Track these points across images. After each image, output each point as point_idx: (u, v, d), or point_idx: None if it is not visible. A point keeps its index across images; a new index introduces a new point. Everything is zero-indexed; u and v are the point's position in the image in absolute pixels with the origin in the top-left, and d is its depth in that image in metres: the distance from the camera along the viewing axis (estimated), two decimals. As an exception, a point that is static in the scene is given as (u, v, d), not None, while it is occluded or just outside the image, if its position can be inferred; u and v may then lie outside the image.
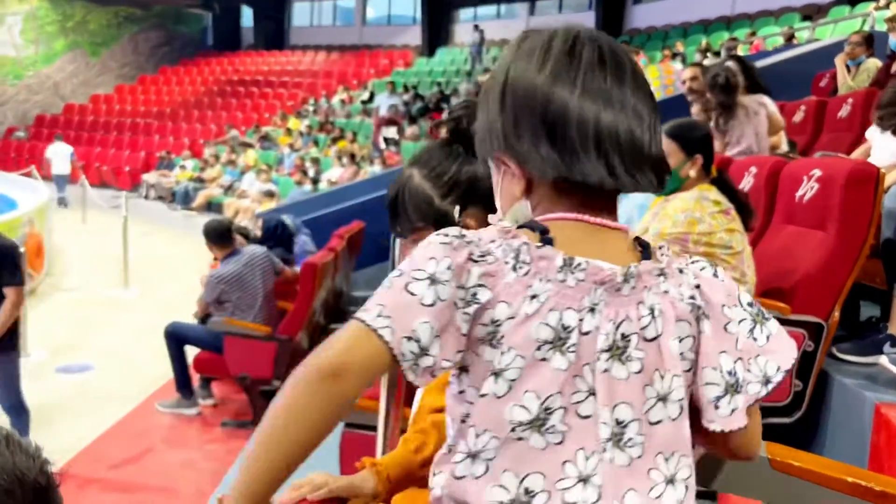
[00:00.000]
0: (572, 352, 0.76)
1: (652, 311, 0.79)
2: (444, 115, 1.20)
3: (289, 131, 16.11)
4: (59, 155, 15.68)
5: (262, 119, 17.85)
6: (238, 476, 0.80)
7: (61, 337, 6.52)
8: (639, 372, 0.79)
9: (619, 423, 0.78)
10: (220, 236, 4.70)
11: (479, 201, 1.16)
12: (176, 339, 4.68)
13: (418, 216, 1.21)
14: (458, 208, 1.18)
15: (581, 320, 0.77)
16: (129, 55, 23.48)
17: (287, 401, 0.77)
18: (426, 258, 0.77)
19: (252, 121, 17.78)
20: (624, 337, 0.78)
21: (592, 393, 0.77)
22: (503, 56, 0.87)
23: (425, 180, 1.21)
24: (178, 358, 4.68)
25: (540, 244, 0.78)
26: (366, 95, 17.38)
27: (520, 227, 0.81)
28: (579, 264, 0.77)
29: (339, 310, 6.16)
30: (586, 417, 0.77)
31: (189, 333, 4.70)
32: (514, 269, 0.77)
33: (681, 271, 0.83)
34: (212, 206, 13.85)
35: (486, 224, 0.86)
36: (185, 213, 13.75)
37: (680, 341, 0.81)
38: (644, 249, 0.83)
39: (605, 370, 0.77)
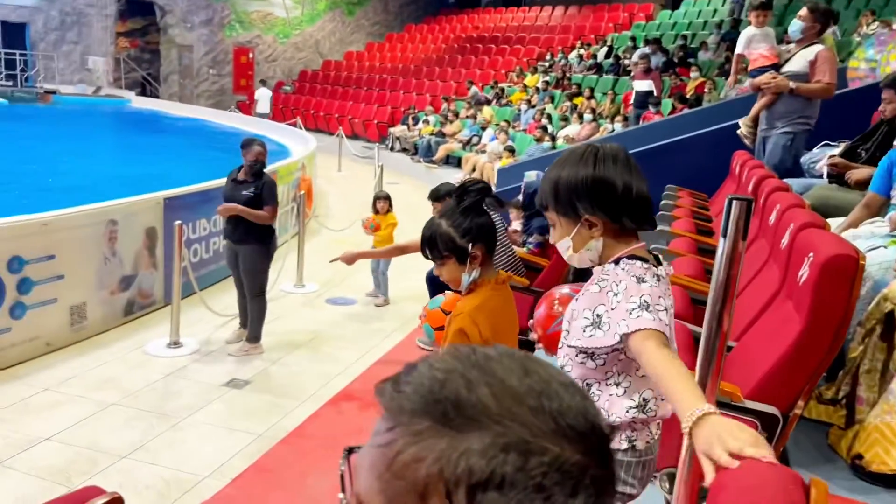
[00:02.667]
0: (670, 314, 1.53)
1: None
2: (460, 194, 2.05)
3: (524, 87, 16.19)
4: (263, 98, 18.93)
5: (500, 75, 18.10)
6: (686, 393, 1.30)
7: (328, 272, 7.24)
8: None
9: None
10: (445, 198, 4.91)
11: (481, 241, 1.98)
12: (436, 282, 4.97)
13: (445, 249, 1.98)
14: (470, 245, 1.96)
15: (669, 297, 1.56)
16: (379, 14, 25.00)
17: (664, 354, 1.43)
18: (657, 296, 1.50)
19: (490, 77, 18.11)
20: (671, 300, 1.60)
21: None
22: (576, 161, 1.58)
23: (450, 227, 1.98)
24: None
25: (657, 266, 1.56)
26: (603, 51, 16.89)
27: (632, 258, 1.55)
28: (662, 272, 1.57)
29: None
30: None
31: (449, 278, 4.96)
32: (658, 281, 1.53)
33: (664, 265, 1.62)
34: (450, 159, 14.45)
35: (487, 255, 2.00)
36: (427, 165, 14.47)
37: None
38: (656, 257, 1.62)
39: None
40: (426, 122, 16.00)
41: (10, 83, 18.97)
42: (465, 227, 1.97)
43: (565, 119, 13.04)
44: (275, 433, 3.93)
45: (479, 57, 20.03)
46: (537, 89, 15.55)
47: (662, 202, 5.94)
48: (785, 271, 2.43)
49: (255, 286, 5.00)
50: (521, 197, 6.21)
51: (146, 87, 22.46)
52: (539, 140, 12.05)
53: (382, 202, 6.38)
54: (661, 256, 1.63)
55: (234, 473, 3.52)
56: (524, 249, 5.11)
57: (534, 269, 4.69)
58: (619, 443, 1.57)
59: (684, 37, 16.00)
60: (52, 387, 4.40)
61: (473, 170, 13.02)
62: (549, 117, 13.19)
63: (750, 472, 0.96)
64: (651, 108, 11.16)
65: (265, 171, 5.01)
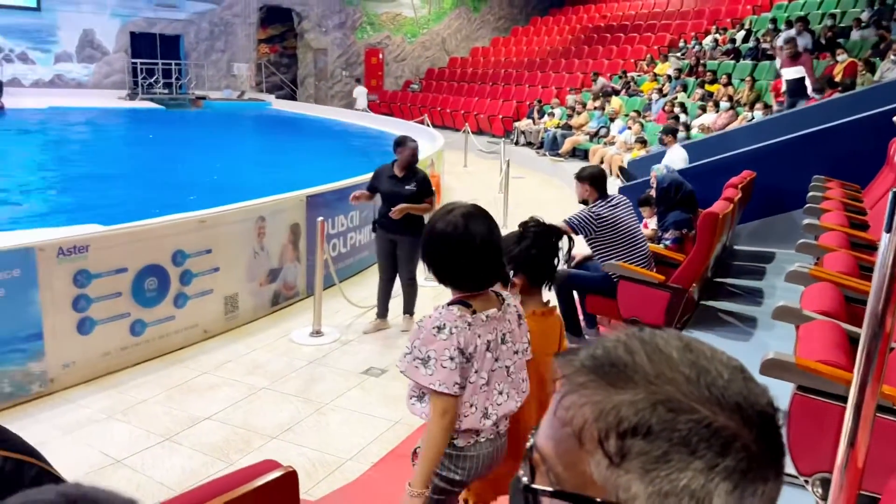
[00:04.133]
0: (491, 348, 1.93)
1: (509, 322, 1.98)
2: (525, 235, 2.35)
3: (655, 76, 15.67)
4: (360, 95, 20.34)
5: (629, 65, 17.62)
6: (419, 471, 1.91)
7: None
8: (509, 344, 1.99)
9: (507, 367, 1.99)
10: (601, 180, 4.79)
11: (524, 272, 2.28)
12: (564, 284, 4.93)
13: None
14: (511, 272, 2.22)
15: (490, 335, 1.93)
16: (504, 8, 25.03)
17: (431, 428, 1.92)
18: (444, 349, 1.88)
19: (618, 66, 17.67)
20: (503, 334, 1.96)
21: (497, 359, 1.95)
22: (439, 217, 1.96)
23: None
24: (566, 301, 4.93)
25: (472, 313, 1.89)
26: (741, 35, 16.02)
27: (454, 303, 1.92)
28: (482, 316, 1.91)
29: (724, 263, 5.90)
30: (496, 370, 1.97)
31: (578, 278, 4.91)
32: (469, 327, 1.88)
33: (509, 306, 2.00)
34: (576, 151, 14.25)
35: (527, 285, 2.30)
36: (552, 158, 14.36)
37: (518, 328, 2.03)
38: (501, 298, 1.98)
39: (500, 346, 1.96)
40: (552, 114, 15.86)
41: (167, 91, 20.67)
42: (512, 255, 2.21)
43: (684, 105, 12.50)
44: (410, 420, 4.08)
45: (607, 46, 19.59)
46: (669, 77, 15.01)
47: (809, 194, 5.60)
48: (956, 268, 2.24)
49: (411, 273, 5.42)
50: (652, 192, 6.05)
51: (287, 91, 23.73)
52: (671, 131, 11.62)
53: None
54: (504, 295, 1.99)
55: (372, 457, 3.70)
56: (661, 246, 4.97)
57: (671, 265, 4.57)
58: None
59: (832, 16, 14.87)
60: (209, 370, 4.80)
61: (601, 162, 12.78)
62: (683, 106, 12.68)
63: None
64: (815, 96, 10.08)
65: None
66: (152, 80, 20.46)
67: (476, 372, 1.90)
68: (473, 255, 1.85)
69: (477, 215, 1.90)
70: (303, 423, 4.08)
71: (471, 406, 1.92)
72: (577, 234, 4.57)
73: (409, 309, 5.60)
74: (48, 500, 0.63)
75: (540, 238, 2.29)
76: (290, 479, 1.32)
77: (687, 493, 0.54)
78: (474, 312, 1.87)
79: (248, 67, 22.64)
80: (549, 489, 0.61)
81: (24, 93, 18.48)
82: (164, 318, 4.96)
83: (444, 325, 1.83)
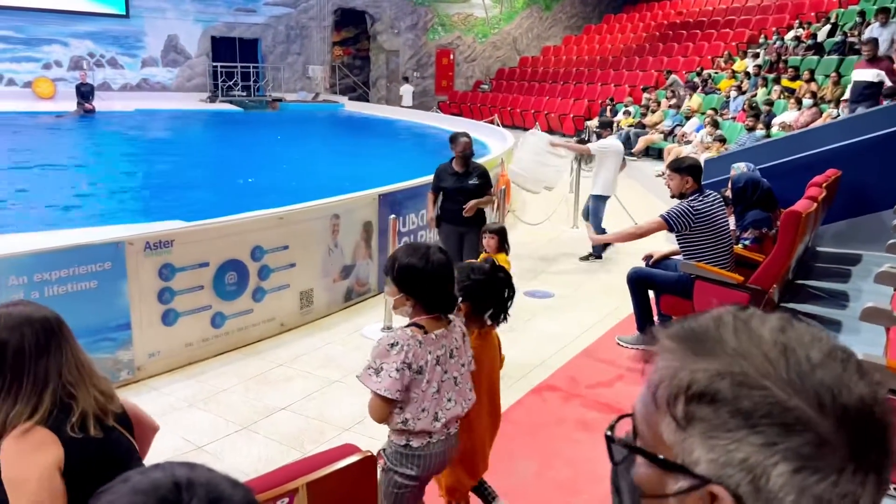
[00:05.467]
0: (440, 362, 2.30)
1: (455, 339, 2.37)
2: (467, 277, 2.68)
3: (733, 73, 15.18)
4: (407, 93, 21.71)
5: (705, 62, 17.14)
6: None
7: (526, 265, 7.36)
8: (456, 358, 2.37)
9: (454, 378, 2.36)
10: (700, 172, 4.69)
11: (469, 300, 2.64)
12: (639, 283, 4.85)
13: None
14: (460, 298, 2.48)
15: (439, 350, 2.30)
16: (577, 6, 24.74)
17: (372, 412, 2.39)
18: (394, 362, 2.22)
19: (694, 64, 17.22)
20: (450, 350, 2.34)
21: (445, 371, 2.32)
22: (411, 254, 2.31)
23: (455, 278, 2.47)
24: (640, 301, 4.85)
25: (424, 333, 2.26)
26: (825, 30, 15.33)
27: (411, 325, 2.28)
28: (432, 335, 2.28)
29: (806, 265, 5.68)
30: (445, 380, 2.33)
31: (654, 277, 4.83)
32: (420, 345, 2.24)
33: (455, 326, 2.38)
34: (650, 151, 13.96)
35: (470, 312, 2.69)
36: (625, 157, 14.07)
37: (463, 344, 2.42)
38: (448, 320, 2.36)
39: (449, 360, 2.33)
40: (627, 112, 15.59)
41: (245, 93, 21.36)
42: (462, 285, 2.57)
43: (769, 103, 12.02)
44: (480, 418, 4.10)
45: (683, 44, 19.11)
46: (747, 74, 14.52)
47: (901, 194, 5.32)
48: None
49: None
50: (728, 192, 5.88)
51: (360, 92, 24.14)
52: (751, 129, 11.26)
53: (489, 238, 4.68)
54: (451, 317, 2.35)
55: (442, 452, 3.73)
56: (739, 245, 4.83)
57: (750, 266, 4.43)
58: (399, 440, 2.31)
59: (928, 7, 14.03)
60: (285, 363, 4.94)
61: (676, 162, 12.47)
62: (770, 103, 12.21)
63: None
64: (886, 102, 9.45)
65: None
66: (231, 83, 21.17)
67: (427, 382, 2.25)
68: (434, 283, 2.27)
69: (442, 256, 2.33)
70: (374, 417, 4.15)
71: (423, 411, 2.27)
72: (671, 230, 4.50)
73: None
74: (157, 478, 0.69)
75: (487, 280, 2.68)
76: (369, 463, 1.36)
77: (744, 466, 0.55)
78: (426, 332, 2.25)
79: (323, 70, 23.14)
80: (623, 441, 0.65)
81: (113, 96, 19.44)
82: (242, 312, 5.14)
83: (397, 342, 2.20)
